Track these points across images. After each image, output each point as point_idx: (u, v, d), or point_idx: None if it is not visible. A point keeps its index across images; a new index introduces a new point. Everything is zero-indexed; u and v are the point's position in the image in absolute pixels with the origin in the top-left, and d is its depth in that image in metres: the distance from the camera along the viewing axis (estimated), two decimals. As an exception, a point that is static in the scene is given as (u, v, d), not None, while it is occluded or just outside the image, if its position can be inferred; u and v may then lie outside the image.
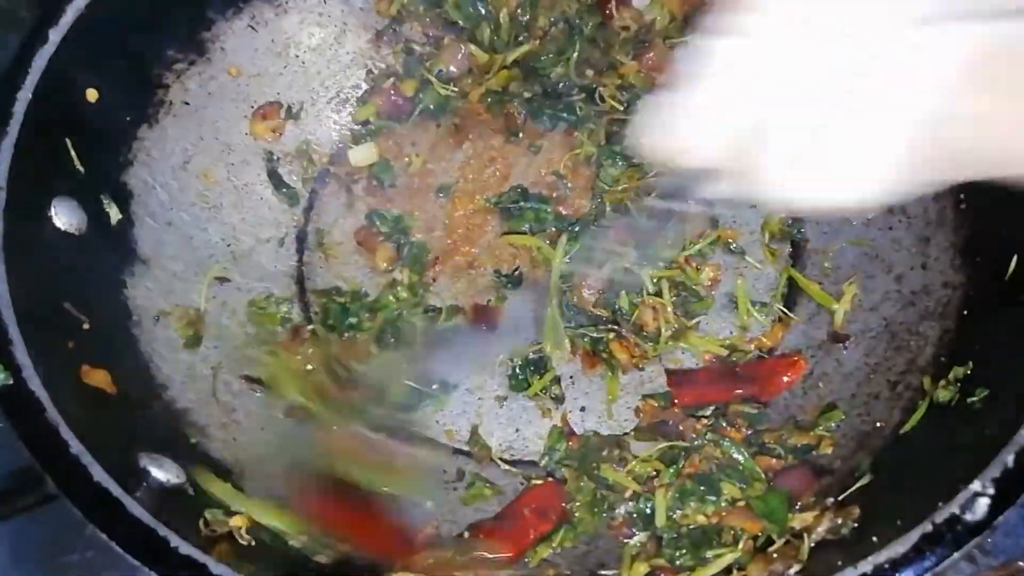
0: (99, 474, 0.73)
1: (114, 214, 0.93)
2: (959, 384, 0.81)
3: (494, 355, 0.98)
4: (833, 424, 0.89)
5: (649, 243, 0.96)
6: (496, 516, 0.90)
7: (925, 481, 0.74)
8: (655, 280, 0.98)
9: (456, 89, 1.10)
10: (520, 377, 0.97)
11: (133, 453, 0.79)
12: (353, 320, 1.00)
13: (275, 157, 1.10)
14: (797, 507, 0.82)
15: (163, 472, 0.79)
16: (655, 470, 0.89)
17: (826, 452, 0.88)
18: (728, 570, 0.79)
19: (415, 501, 0.90)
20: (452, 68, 1.10)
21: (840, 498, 0.79)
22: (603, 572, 0.84)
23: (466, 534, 0.89)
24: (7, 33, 1.16)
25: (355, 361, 0.94)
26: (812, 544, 0.75)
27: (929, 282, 0.92)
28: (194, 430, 0.89)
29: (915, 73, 0.51)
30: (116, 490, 0.72)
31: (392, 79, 1.12)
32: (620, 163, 1.04)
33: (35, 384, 0.75)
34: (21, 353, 0.76)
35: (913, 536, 0.67)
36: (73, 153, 0.89)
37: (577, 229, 1.03)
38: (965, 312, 0.86)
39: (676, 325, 0.97)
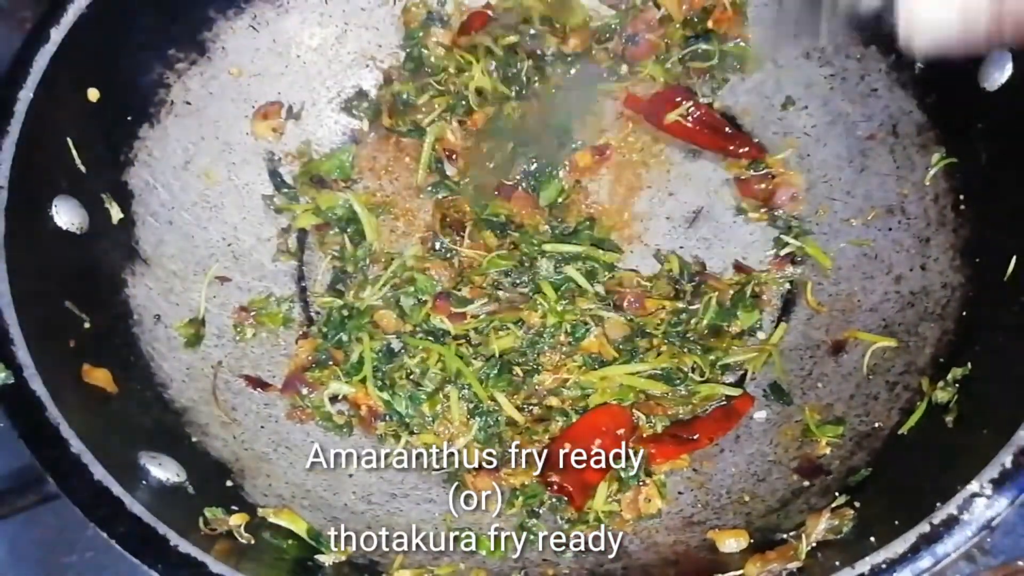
0: (99, 473, 0.73)
1: (115, 213, 0.94)
2: (957, 385, 0.81)
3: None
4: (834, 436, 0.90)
5: None
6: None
7: (923, 481, 0.74)
8: None
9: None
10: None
11: (133, 452, 0.79)
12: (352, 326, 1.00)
13: (276, 157, 1.10)
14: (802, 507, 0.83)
15: (163, 471, 0.80)
16: None
17: (824, 452, 0.88)
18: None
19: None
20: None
21: (838, 498, 0.79)
22: (605, 567, 0.85)
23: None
24: (9, 32, 1.17)
25: None
26: (811, 544, 0.75)
27: (928, 283, 0.92)
28: (194, 429, 0.89)
29: None
30: (116, 488, 0.72)
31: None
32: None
33: (36, 383, 0.75)
34: (22, 352, 0.76)
35: (911, 536, 0.67)
36: (75, 152, 0.90)
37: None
38: (964, 313, 0.86)
39: None
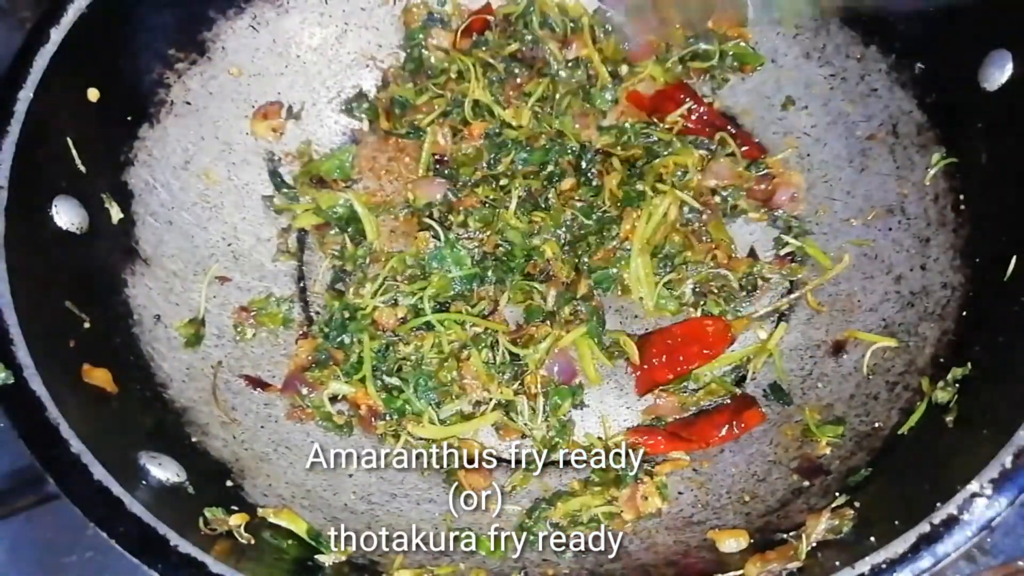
0: (99, 473, 0.73)
1: (115, 213, 0.94)
2: (957, 385, 0.81)
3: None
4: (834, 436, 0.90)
5: None
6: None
7: (923, 481, 0.74)
8: None
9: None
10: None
11: (133, 452, 0.79)
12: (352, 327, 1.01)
13: (276, 157, 1.11)
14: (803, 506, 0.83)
15: (163, 471, 0.79)
16: None
17: (824, 452, 0.88)
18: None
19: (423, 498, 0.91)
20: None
21: (838, 498, 0.80)
22: (605, 567, 0.85)
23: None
24: (9, 32, 1.17)
25: None
26: (811, 544, 0.75)
27: (928, 283, 0.92)
28: (194, 429, 0.89)
29: None
30: (116, 488, 0.72)
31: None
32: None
33: (36, 383, 0.75)
34: (22, 352, 0.76)
35: (911, 536, 0.67)
36: (74, 152, 0.90)
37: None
38: (964, 313, 0.87)
39: None
